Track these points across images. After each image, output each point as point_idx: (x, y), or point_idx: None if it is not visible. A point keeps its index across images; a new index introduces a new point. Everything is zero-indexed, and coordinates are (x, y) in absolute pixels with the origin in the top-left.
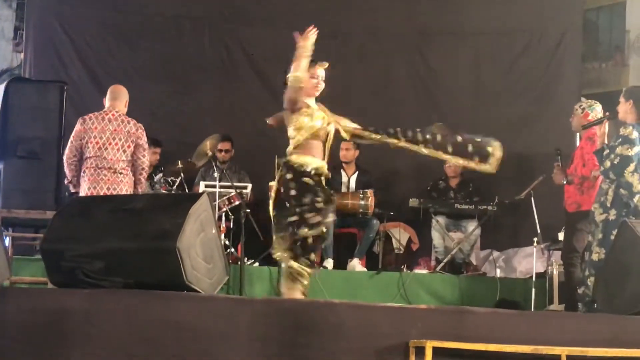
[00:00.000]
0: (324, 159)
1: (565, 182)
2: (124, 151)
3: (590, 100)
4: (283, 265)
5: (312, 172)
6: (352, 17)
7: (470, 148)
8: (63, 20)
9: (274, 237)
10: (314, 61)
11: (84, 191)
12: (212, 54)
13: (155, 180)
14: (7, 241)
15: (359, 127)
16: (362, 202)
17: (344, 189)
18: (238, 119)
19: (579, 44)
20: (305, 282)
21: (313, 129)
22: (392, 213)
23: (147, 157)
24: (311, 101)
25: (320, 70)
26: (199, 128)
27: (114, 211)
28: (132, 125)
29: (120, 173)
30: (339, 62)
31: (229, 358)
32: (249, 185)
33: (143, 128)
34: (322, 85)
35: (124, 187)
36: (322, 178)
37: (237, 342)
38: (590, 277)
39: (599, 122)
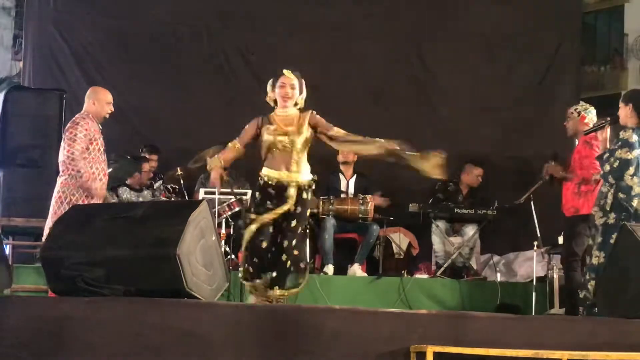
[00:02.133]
0: (288, 169)
1: (564, 178)
2: (61, 151)
3: (585, 104)
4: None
5: (269, 183)
6: (352, 22)
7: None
8: (61, 28)
9: None
10: (282, 70)
11: None
12: (211, 60)
13: (155, 187)
14: (8, 249)
15: (338, 133)
16: (361, 207)
17: (342, 194)
18: (237, 124)
19: (577, 47)
20: (261, 298)
21: (267, 143)
22: (392, 218)
23: (69, 149)
24: (286, 110)
25: (288, 78)
26: (199, 134)
27: (113, 219)
28: (69, 123)
29: (62, 176)
30: (338, 66)
31: None
32: (249, 192)
33: (76, 122)
34: (292, 92)
35: (56, 188)
36: (288, 186)
37: (237, 349)
38: (591, 281)
39: (601, 127)
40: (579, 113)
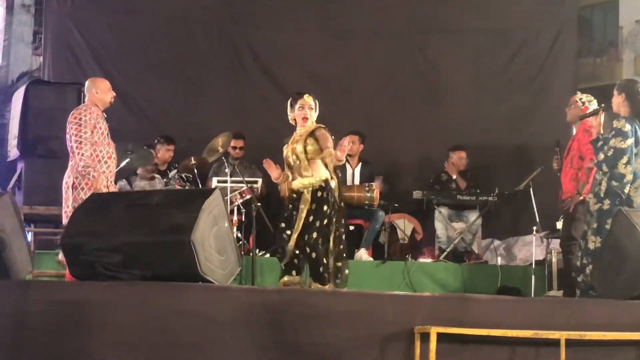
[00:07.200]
0: (301, 175)
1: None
2: (68, 138)
3: (589, 95)
4: None
5: (290, 191)
6: (356, 18)
7: None
8: (79, 24)
9: None
10: (300, 93)
11: None
12: (222, 55)
13: (169, 176)
14: (29, 236)
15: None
16: (367, 195)
17: (348, 181)
18: (247, 116)
19: (574, 40)
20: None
21: (285, 158)
22: (396, 205)
23: (77, 133)
24: (299, 130)
25: (304, 100)
26: (211, 125)
27: (130, 206)
28: (72, 111)
29: (70, 162)
30: (343, 61)
31: (241, 345)
32: (260, 180)
33: (79, 108)
34: (310, 112)
35: (66, 173)
36: (307, 191)
37: (249, 330)
38: (588, 265)
39: (595, 113)
40: (583, 103)
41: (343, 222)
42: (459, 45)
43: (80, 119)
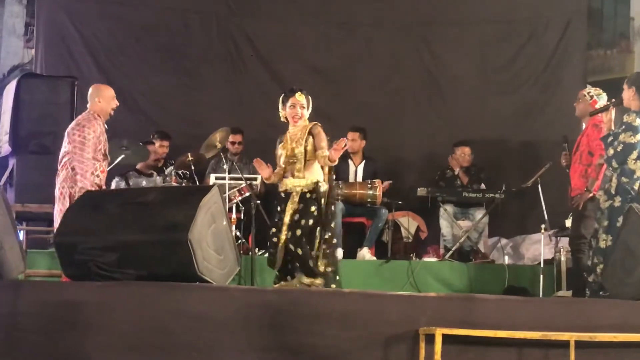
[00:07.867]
0: (294, 175)
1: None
2: (67, 148)
3: (598, 89)
4: None
5: (281, 190)
6: (358, 9)
7: None
8: (73, 15)
9: None
10: (292, 90)
11: None
12: (220, 47)
13: (166, 172)
14: (21, 235)
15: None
16: (370, 192)
17: (351, 178)
18: (246, 110)
19: (583, 31)
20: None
21: (279, 157)
22: (400, 202)
23: (80, 152)
24: (292, 129)
25: (296, 98)
26: (209, 120)
27: (125, 204)
28: (74, 124)
29: (61, 170)
30: (345, 53)
31: (240, 346)
32: (259, 177)
33: (82, 125)
34: (302, 111)
35: (59, 181)
36: (295, 192)
37: (248, 331)
38: (599, 264)
39: (606, 108)
40: (591, 97)
41: (332, 225)
42: (464, 37)
43: (84, 137)
